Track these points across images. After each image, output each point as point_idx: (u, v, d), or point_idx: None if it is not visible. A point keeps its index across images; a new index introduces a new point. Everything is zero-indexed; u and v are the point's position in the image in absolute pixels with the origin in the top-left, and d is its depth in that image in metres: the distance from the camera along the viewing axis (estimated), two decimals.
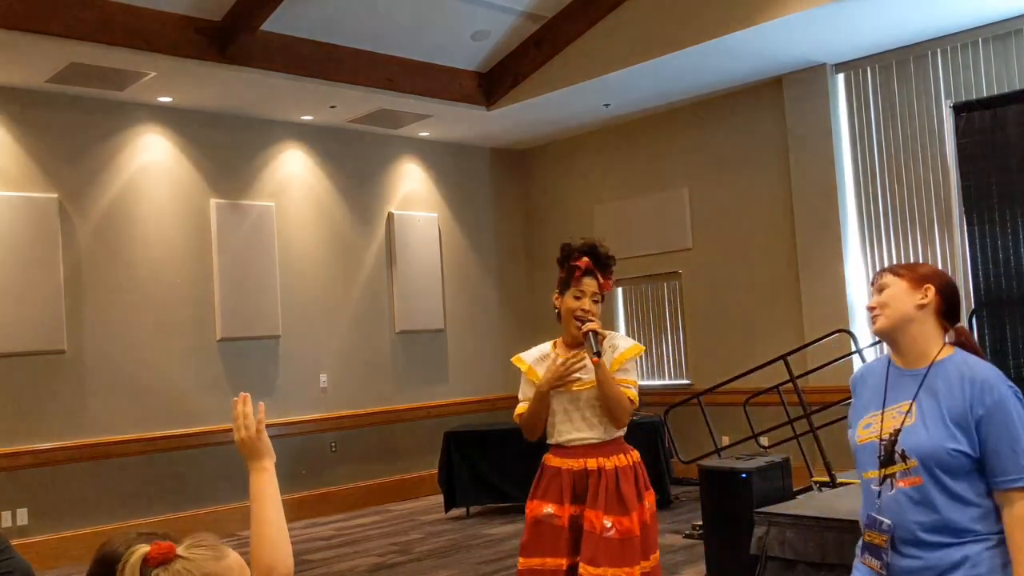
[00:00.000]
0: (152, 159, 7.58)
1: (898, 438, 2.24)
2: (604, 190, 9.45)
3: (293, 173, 8.43)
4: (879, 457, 2.27)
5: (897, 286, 2.34)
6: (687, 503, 7.53)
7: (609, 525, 3.10)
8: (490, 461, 7.69)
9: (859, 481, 2.39)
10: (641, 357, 3.41)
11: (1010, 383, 2.21)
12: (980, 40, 6.87)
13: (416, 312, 9.07)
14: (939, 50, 7.10)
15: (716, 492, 5.24)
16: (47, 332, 6.87)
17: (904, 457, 2.22)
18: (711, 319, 8.58)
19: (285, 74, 7.09)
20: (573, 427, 3.24)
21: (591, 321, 3.22)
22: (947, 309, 2.32)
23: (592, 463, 3.19)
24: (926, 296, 2.30)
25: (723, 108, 8.45)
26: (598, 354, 3.14)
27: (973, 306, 6.06)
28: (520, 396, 3.38)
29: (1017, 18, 6.63)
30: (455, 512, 7.83)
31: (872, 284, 2.44)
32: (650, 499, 3.26)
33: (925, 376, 2.27)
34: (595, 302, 3.28)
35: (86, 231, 7.19)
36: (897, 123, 7.41)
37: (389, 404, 8.84)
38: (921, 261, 7.20)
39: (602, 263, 3.30)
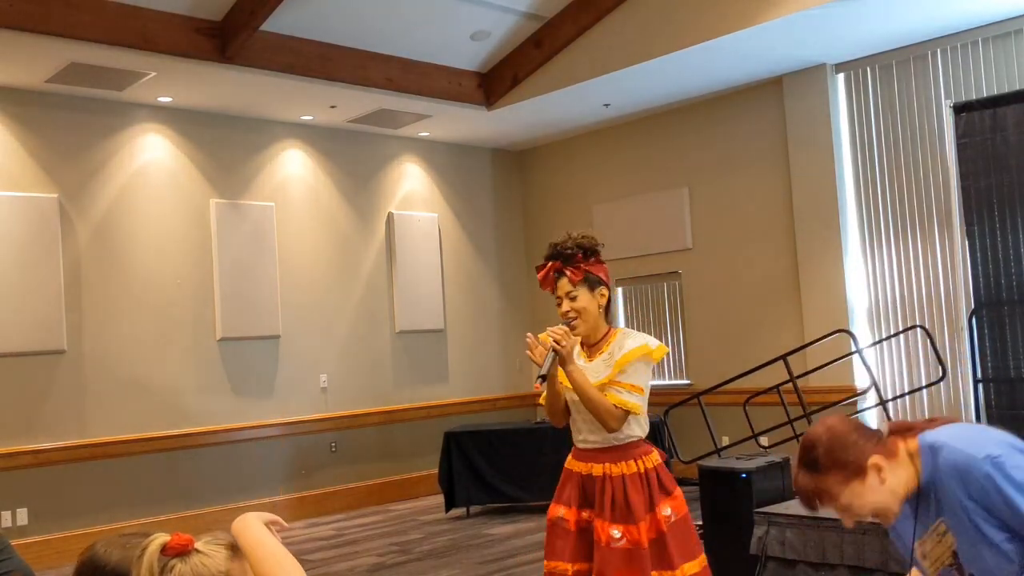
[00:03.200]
0: (152, 159, 7.58)
1: (961, 562, 2.18)
2: (604, 190, 9.45)
3: (293, 173, 8.43)
4: None
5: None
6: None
7: (618, 535, 3.00)
8: (490, 461, 7.69)
9: None
10: (658, 357, 3.14)
11: (988, 452, 2.10)
12: (980, 40, 6.87)
13: (416, 312, 9.07)
14: (939, 50, 7.10)
15: (716, 492, 5.24)
16: (47, 332, 6.87)
17: None
18: (711, 319, 8.58)
19: (285, 74, 7.09)
20: (587, 428, 3.14)
21: (562, 337, 2.99)
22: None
23: (598, 469, 3.09)
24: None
25: (723, 108, 8.45)
26: (542, 378, 2.98)
27: (973, 306, 6.06)
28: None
29: (1017, 18, 6.63)
30: (455, 512, 7.82)
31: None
32: (674, 503, 3.15)
33: (926, 495, 2.20)
34: (572, 299, 3.10)
35: (86, 231, 7.19)
36: (897, 123, 7.41)
37: (389, 404, 8.84)
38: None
39: (564, 256, 3.12)
